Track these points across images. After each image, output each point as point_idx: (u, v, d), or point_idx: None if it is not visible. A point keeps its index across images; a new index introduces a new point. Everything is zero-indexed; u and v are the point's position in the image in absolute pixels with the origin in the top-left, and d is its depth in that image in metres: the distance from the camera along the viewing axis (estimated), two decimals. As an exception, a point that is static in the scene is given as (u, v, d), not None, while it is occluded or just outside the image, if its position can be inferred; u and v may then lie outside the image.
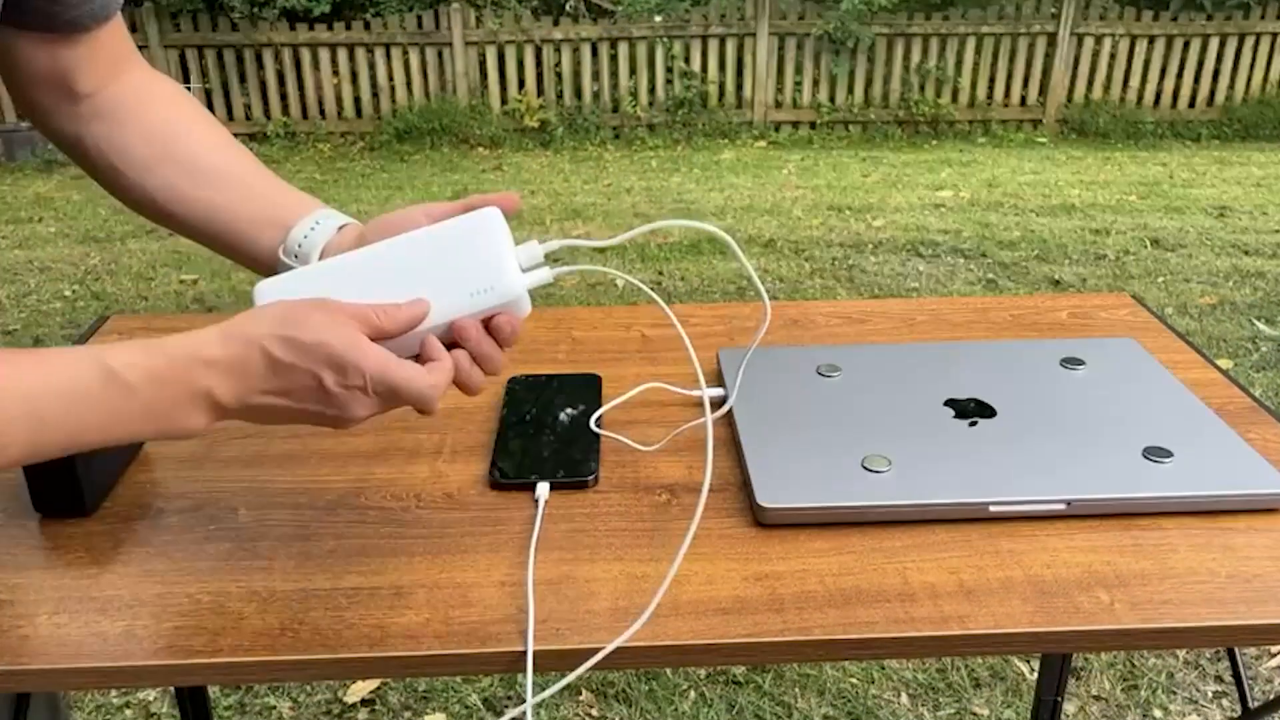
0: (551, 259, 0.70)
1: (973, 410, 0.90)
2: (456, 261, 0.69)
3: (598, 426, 0.91)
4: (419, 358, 0.69)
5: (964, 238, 4.58)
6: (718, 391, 0.96)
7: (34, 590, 0.72)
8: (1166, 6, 6.88)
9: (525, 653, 0.67)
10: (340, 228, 0.81)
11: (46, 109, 0.83)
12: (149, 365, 0.62)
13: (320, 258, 0.79)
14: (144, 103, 0.84)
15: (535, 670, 0.66)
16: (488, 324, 0.70)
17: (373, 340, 0.66)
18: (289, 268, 0.79)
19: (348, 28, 6.60)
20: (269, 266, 0.81)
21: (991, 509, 0.78)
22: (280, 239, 0.81)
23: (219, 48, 6.61)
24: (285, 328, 0.63)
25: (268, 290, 0.70)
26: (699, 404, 0.96)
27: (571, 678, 0.66)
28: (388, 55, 6.64)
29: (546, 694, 0.70)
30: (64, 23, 0.78)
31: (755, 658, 0.68)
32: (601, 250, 4.38)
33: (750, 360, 0.99)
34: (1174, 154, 6.37)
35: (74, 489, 0.79)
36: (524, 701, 0.66)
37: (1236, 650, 1.11)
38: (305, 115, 6.79)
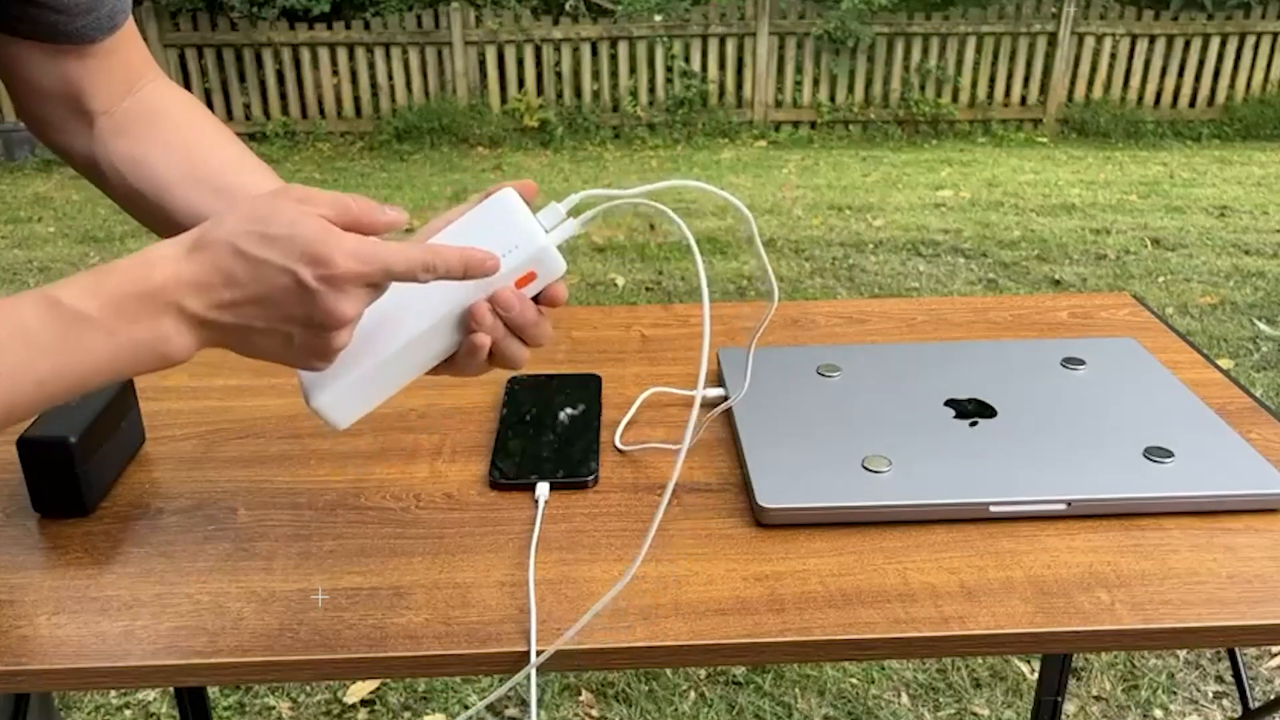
0: (575, 213, 0.69)
1: (973, 410, 0.90)
2: (479, 239, 0.66)
3: (622, 444, 0.91)
4: None
5: (964, 237, 4.58)
6: (718, 391, 0.96)
7: (33, 590, 0.72)
8: (1167, 6, 6.88)
9: (529, 653, 0.66)
10: None
11: (55, 124, 0.80)
12: (103, 289, 0.56)
13: None
14: (162, 118, 0.80)
15: (537, 671, 0.66)
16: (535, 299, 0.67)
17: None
18: None
19: (347, 27, 6.60)
20: None
21: (992, 509, 0.78)
22: None
23: (218, 47, 6.61)
24: (255, 223, 0.58)
25: None
26: (702, 404, 0.96)
27: (502, 690, 0.66)
28: (387, 55, 6.64)
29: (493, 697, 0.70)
30: (68, 33, 0.74)
31: (755, 658, 0.68)
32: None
33: (750, 360, 0.98)
34: (1175, 153, 6.37)
35: (73, 489, 0.79)
36: (524, 702, 0.66)
37: (1237, 650, 1.11)
38: (305, 115, 6.79)
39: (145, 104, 0.80)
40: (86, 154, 0.80)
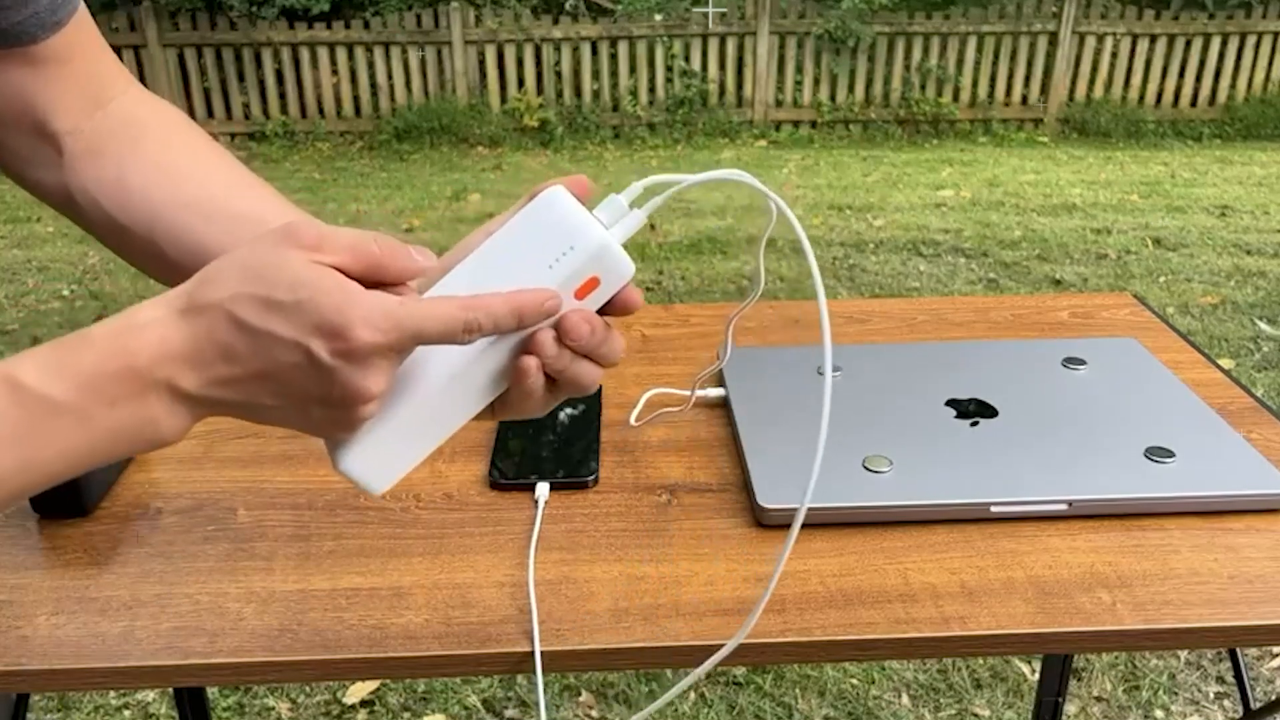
0: (637, 205, 0.58)
1: (974, 410, 0.90)
2: (525, 246, 0.55)
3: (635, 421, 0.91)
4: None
5: (965, 237, 4.57)
6: (719, 391, 0.96)
7: (33, 591, 0.72)
8: (1168, 5, 6.88)
9: (532, 654, 0.66)
10: None
11: (21, 154, 0.68)
12: (72, 367, 0.47)
13: None
14: (141, 135, 0.68)
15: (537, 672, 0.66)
16: (600, 311, 0.56)
17: (371, 283, 0.50)
18: None
19: (347, 26, 6.60)
20: None
21: (993, 509, 0.78)
22: None
23: (218, 47, 6.61)
24: (256, 284, 0.48)
25: None
26: (702, 405, 0.96)
27: (699, 674, 0.66)
28: (387, 54, 6.64)
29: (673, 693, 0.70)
30: (5, 33, 0.63)
31: (756, 658, 0.68)
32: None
33: (750, 360, 0.98)
34: (1175, 153, 6.36)
35: (72, 489, 0.79)
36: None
37: (1238, 651, 1.10)
38: (304, 114, 6.78)
39: (119, 119, 0.69)
40: (59, 186, 0.67)
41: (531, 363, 0.54)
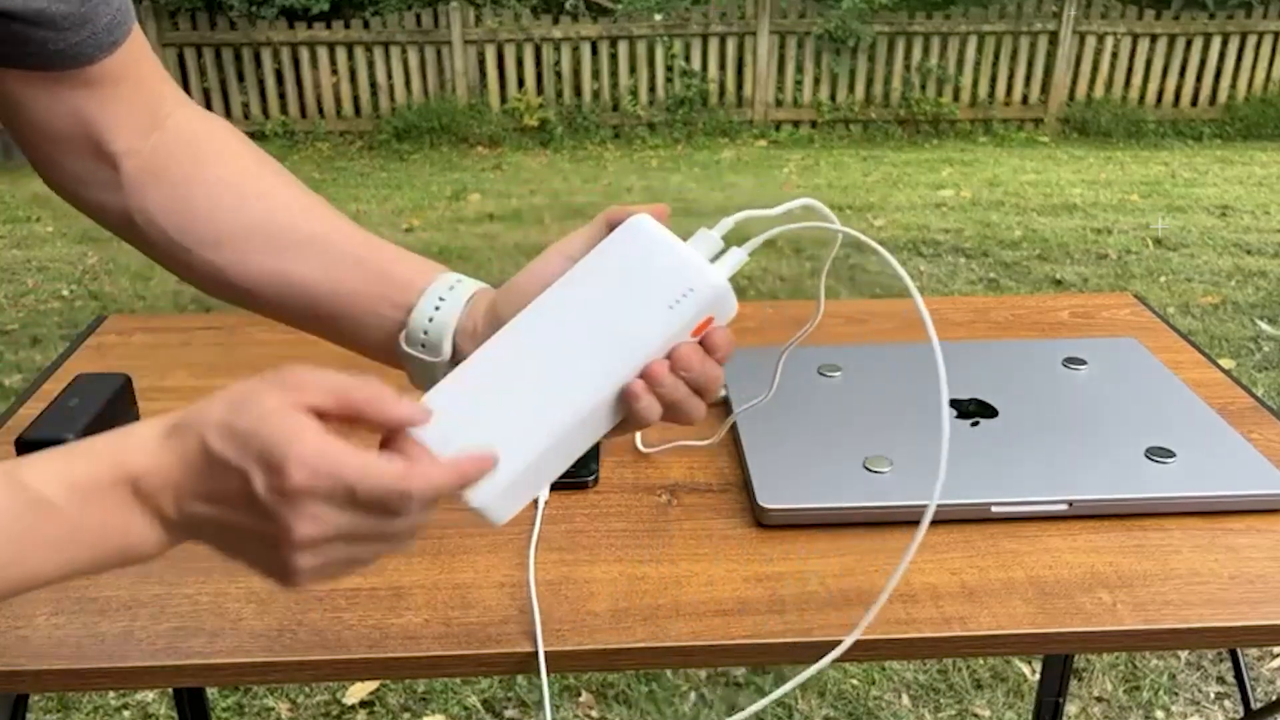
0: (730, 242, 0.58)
1: (974, 410, 0.90)
2: (633, 284, 0.56)
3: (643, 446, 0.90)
4: (384, 447, 0.53)
5: (965, 237, 4.57)
6: (719, 392, 0.95)
7: (32, 591, 0.72)
8: (1169, 5, 6.88)
9: (534, 654, 0.66)
10: (469, 297, 0.64)
11: (80, 177, 0.67)
12: (71, 473, 0.49)
13: (453, 343, 0.63)
14: (201, 155, 0.68)
15: (538, 672, 0.66)
16: (701, 342, 0.57)
17: (347, 424, 0.51)
18: (414, 359, 0.65)
19: (346, 26, 6.60)
20: (384, 354, 0.66)
21: (993, 509, 0.78)
22: (399, 321, 0.64)
23: (217, 46, 6.61)
24: (229, 412, 0.49)
25: (436, 408, 0.55)
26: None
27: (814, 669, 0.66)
28: (387, 54, 6.63)
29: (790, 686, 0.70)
30: (63, 54, 0.62)
31: (756, 659, 0.68)
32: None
33: (751, 360, 0.98)
34: (1176, 153, 6.36)
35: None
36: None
37: (1239, 651, 1.10)
38: (304, 114, 6.78)
39: (177, 139, 0.68)
40: (120, 209, 0.67)
41: (638, 385, 0.56)
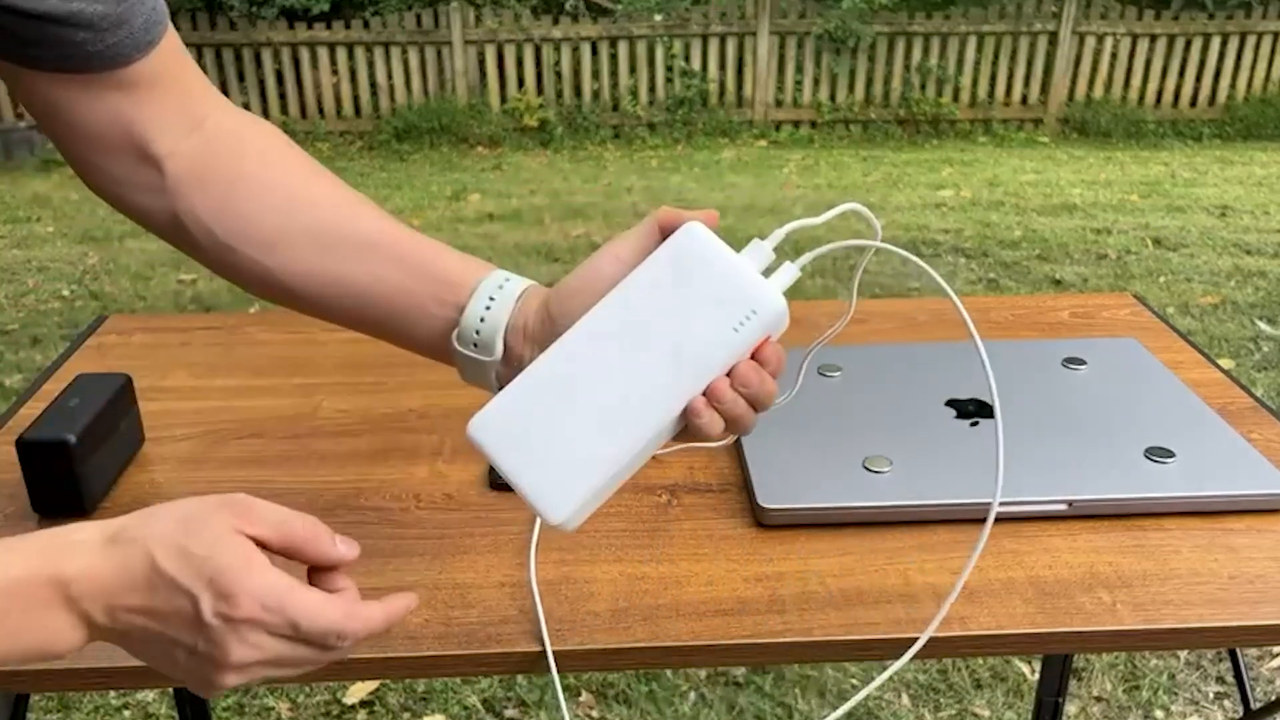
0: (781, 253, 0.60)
1: (974, 410, 0.90)
2: (697, 303, 0.57)
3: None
4: (312, 578, 0.56)
5: (965, 237, 4.57)
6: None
7: None
8: (1168, 5, 6.88)
9: (541, 653, 0.66)
10: (519, 295, 0.65)
11: (123, 180, 0.67)
12: (6, 565, 0.50)
13: (505, 342, 0.64)
14: (241, 158, 0.68)
15: (539, 672, 0.66)
16: (754, 356, 0.59)
17: (288, 554, 0.54)
18: (466, 358, 0.66)
19: (347, 26, 6.60)
20: (435, 352, 0.68)
21: (993, 509, 0.78)
22: (451, 320, 0.65)
23: (217, 47, 6.61)
24: (180, 533, 0.51)
25: (486, 431, 0.58)
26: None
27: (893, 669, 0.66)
28: (386, 54, 6.64)
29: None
30: (101, 56, 0.62)
31: (756, 659, 0.68)
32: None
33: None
34: (1175, 153, 6.36)
35: (73, 490, 0.79)
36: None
37: (1238, 651, 1.10)
38: (304, 114, 6.78)
39: (219, 140, 0.68)
40: (165, 212, 0.67)
41: (699, 402, 0.58)
